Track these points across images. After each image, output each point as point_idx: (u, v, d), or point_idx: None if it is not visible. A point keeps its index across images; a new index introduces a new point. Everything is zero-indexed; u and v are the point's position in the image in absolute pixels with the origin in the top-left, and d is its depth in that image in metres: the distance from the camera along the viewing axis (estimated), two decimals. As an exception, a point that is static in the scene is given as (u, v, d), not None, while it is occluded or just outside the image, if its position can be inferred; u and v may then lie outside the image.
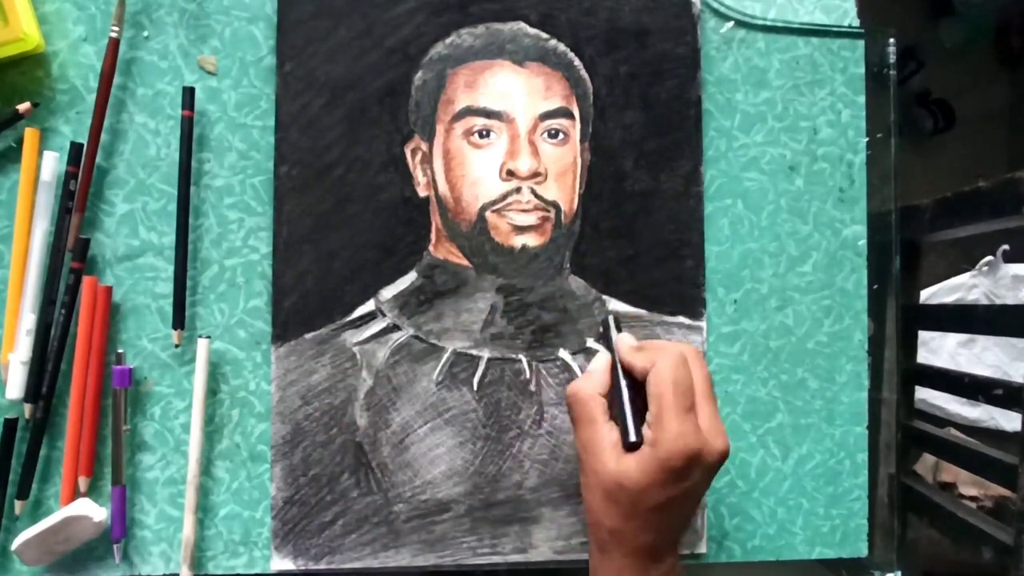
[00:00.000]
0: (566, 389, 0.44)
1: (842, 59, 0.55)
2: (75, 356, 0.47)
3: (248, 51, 0.50)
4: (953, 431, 1.23)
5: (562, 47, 0.52)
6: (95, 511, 0.46)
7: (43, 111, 0.48)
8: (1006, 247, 1.29)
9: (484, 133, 0.50)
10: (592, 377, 0.43)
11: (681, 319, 0.53)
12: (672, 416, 0.39)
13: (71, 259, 0.47)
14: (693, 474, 0.39)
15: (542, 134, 0.51)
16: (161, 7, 0.49)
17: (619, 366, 0.43)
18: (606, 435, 0.41)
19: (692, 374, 0.41)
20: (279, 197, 0.50)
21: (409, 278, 0.50)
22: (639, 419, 0.41)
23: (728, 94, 0.54)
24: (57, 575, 0.48)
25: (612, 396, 0.43)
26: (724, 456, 0.40)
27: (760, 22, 0.55)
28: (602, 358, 0.45)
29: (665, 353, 0.41)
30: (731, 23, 0.54)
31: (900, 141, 0.56)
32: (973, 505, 1.05)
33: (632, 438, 0.40)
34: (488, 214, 0.50)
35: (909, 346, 0.84)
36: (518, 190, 0.50)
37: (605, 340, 0.47)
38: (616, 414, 0.42)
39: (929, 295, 1.34)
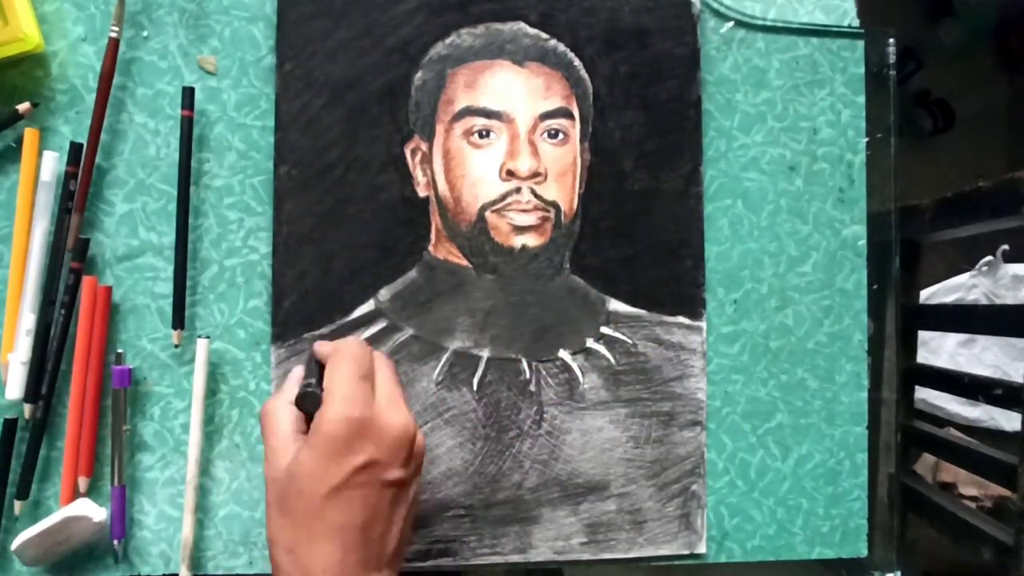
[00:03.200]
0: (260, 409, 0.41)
1: (842, 59, 0.55)
2: (75, 356, 0.47)
3: (248, 51, 0.50)
4: (953, 431, 1.23)
5: (562, 47, 0.52)
6: (95, 511, 0.46)
7: (43, 111, 0.48)
8: (1006, 247, 1.29)
9: (484, 133, 0.50)
10: (282, 389, 0.42)
11: (681, 319, 0.53)
12: (340, 384, 0.37)
13: (71, 259, 0.47)
14: (364, 447, 0.36)
15: (542, 134, 0.51)
16: (161, 7, 0.49)
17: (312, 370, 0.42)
18: (288, 441, 0.38)
19: (376, 361, 0.40)
20: (279, 197, 0.50)
21: (409, 278, 0.50)
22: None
23: (728, 94, 0.54)
24: (57, 575, 0.48)
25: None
26: (407, 432, 0.38)
27: (760, 22, 0.55)
28: (293, 371, 0.44)
29: (339, 342, 0.41)
30: (731, 23, 0.54)
31: (900, 141, 0.56)
32: (973, 505, 1.05)
33: (301, 398, 0.38)
34: (488, 214, 0.50)
35: (909, 346, 0.84)
36: (518, 190, 0.50)
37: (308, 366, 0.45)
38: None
39: (929, 295, 1.34)
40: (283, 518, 0.37)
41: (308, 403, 0.39)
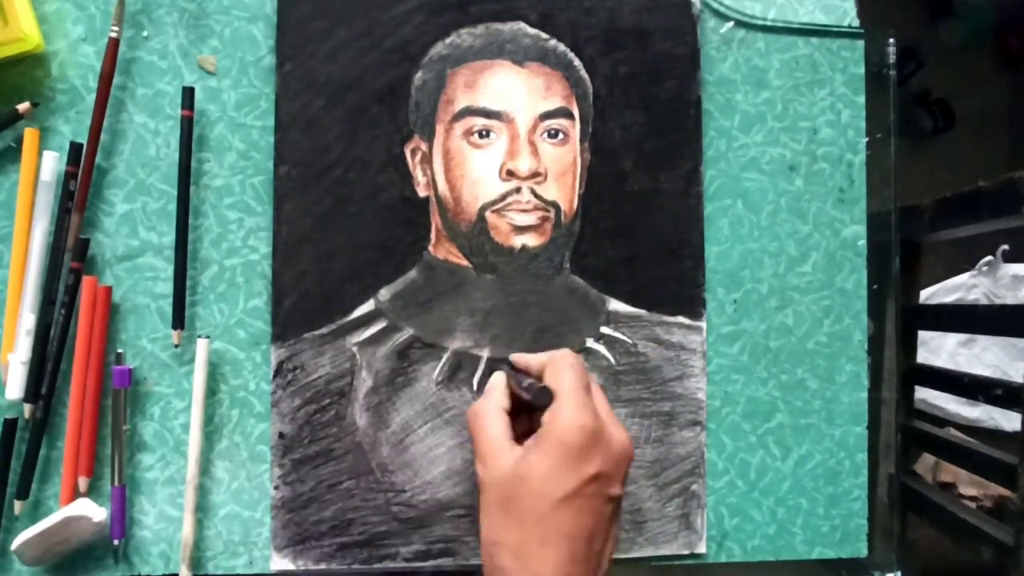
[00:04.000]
0: (467, 412, 0.42)
1: (842, 59, 0.55)
2: (75, 356, 0.47)
3: (248, 51, 0.50)
4: (953, 431, 1.23)
5: (562, 47, 0.52)
6: (95, 511, 0.46)
7: (43, 111, 0.48)
8: (1006, 247, 1.29)
9: (484, 133, 0.50)
10: (489, 394, 0.42)
11: (681, 319, 0.53)
12: (571, 392, 0.38)
13: (71, 259, 0.47)
14: (595, 458, 0.37)
15: (542, 134, 0.51)
16: (161, 7, 0.49)
17: (513, 384, 0.43)
18: (506, 443, 0.39)
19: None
20: (279, 197, 0.50)
21: (409, 278, 0.50)
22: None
23: (728, 94, 0.54)
24: (57, 575, 0.48)
25: (512, 415, 0.42)
26: (628, 450, 0.38)
27: (760, 22, 0.55)
28: (496, 376, 0.44)
29: (559, 351, 0.42)
30: (731, 23, 0.54)
31: (900, 141, 0.56)
32: (973, 505, 1.05)
33: (539, 396, 0.38)
34: (488, 214, 0.50)
35: (909, 346, 0.84)
36: (518, 190, 0.50)
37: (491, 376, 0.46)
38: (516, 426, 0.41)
39: (929, 295, 1.34)
40: (509, 520, 0.36)
41: (543, 398, 0.39)
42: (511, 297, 0.51)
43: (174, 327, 0.48)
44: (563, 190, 0.51)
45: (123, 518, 0.48)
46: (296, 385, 0.49)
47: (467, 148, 0.50)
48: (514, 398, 0.42)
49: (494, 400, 0.42)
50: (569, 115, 0.51)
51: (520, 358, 0.45)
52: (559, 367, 0.40)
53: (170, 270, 0.49)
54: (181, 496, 0.48)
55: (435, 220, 0.51)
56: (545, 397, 0.39)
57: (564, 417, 0.37)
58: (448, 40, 0.51)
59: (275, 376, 0.49)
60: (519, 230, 0.51)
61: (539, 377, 0.42)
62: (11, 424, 0.46)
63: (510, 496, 0.37)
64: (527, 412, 0.42)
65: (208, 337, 0.48)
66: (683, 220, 0.53)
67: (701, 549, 0.52)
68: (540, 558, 0.35)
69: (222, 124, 0.50)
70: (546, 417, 0.38)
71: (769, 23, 0.55)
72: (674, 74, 0.53)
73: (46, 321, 0.46)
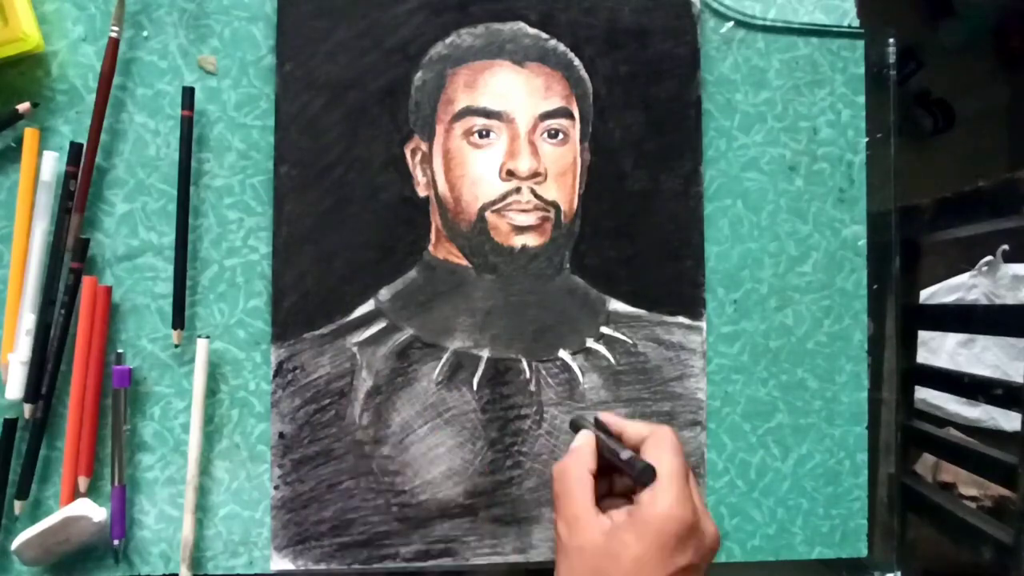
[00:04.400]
0: (552, 469, 0.42)
1: (842, 59, 0.55)
2: (75, 356, 0.47)
3: (248, 51, 0.50)
4: (953, 431, 1.23)
5: (562, 47, 0.52)
6: (95, 511, 0.46)
7: (43, 111, 0.48)
8: (1006, 247, 1.29)
9: (484, 133, 0.50)
10: (578, 454, 0.42)
11: (681, 319, 0.53)
12: (674, 478, 0.38)
13: (71, 259, 0.47)
14: (688, 551, 0.37)
15: (542, 134, 0.51)
16: (161, 7, 0.49)
17: (600, 441, 0.42)
18: (594, 510, 0.38)
19: None
20: (279, 197, 0.50)
21: (409, 278, 0.50)
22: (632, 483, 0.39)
23: (728, 94, 0.54)
24: (57, 575, 0.48)
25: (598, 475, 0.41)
26: (717, 544, 0.39)
27: (760, 22, 0.55)
28: (585, 436, 0.43)
29: (660, 426, 0.41)
30: (731, 23, 0.54)
31: (900, 141, 0.56)
32: (973, 505, 1.05)
33: (636, 468, 0.38)
34: (488, 214, 0.50)
35: (909, 346, 0.84)
36: (518, 190, 0.50)
37: (574, 428, 0.46)
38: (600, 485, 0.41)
39: (929, 295, 1.34)
40: None
41: (645, 477, 0.38)
42: (511, 297, 0.51)
43: (174, 327, 0.48)
44: (563, 190, 0.51)
45: (123, 518, 0.48)
46: (296, 385, 0.49)
47: (467, 148, 0.50)
48: (601, 459, 0.42)
49: (584, 462, 0.41)
50: (569, 115, 0.51)
51: (614, 422, 0.43)
52: (662, 446, 0.39)
53: (170, 270, 0.49)
54: (181, 496, 0.48)
55: (435, 220, 0.51)
56: (648, 477, 0.38)
57: (665, 505, 0.37)
58: (448, 40, 0.51)
59: (275, 376, 0.49)
60: (519, 230, 0.51)
61: (635, 447, 0.41)
62: (11, 424, 0.46)
63: (599, 569, 0.37)
64: (608, 473, 0.42)
65: (208, 337, 0.48)
66: (683, 220, 0.53)
67: (701, 549, 0.52)
68: None
69: (222, 124, 0.50)
70: (645, 497, 0.38)
71: (769, 23, 0.55)
72: (674, 74, 0.53)
73: (46, 321, 0.46)
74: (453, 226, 0.51)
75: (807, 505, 0.54)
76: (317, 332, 0.49)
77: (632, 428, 0.42)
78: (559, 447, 0.51)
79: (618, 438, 0.43)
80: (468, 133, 0.50)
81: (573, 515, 0.39)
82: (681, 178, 0.53)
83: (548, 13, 0.52)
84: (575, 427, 0.46)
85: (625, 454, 0.40)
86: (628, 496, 0.42)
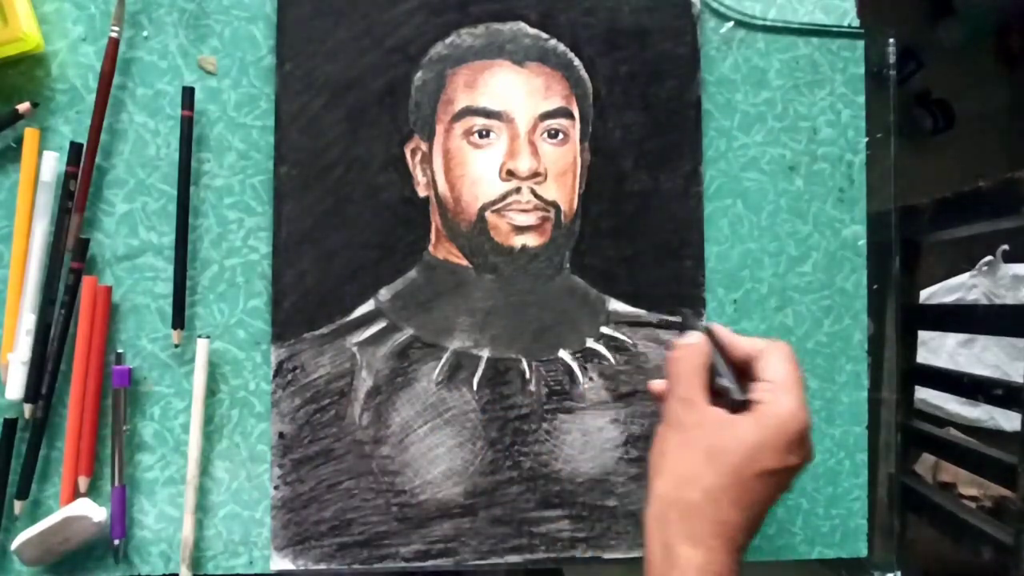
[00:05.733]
0: (666, 356, 0.42)
1: (842, 59, 0.55)
2: (75, 356, 0.47)
3: (248, 51, 0.50)
4: (953, 431, 1.23)
5: (562, 47, 0.52)
6: (95, 511, 0.46)
7: (43, 111, 0.48)
8: (1006, 247, 1.29)
9: (484, 133, 0.50)
10: (694, 347, 0.41)
11: (681, 319, 0.52)
12: (795, 384, 0.39)
13: (71, 259, 0.47)
14: (800, 451, 0.38)
15: (542, 134, 0.51)
16: (161, 7, 0.49)
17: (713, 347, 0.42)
18: (709, 399, 0.39)
19: None
20: (279, 197, 0.50)
21: (409, 278, 0.50)
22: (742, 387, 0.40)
23: (728, 94, 0.54)
24: (57, 575, 0.48)
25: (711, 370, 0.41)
26: (812, 458, 0.39)
27: (760, 22, 0.55)
28: (698, 335, 0.42)
29: (777, 341, 0.41)
30: (731, 23, 0.54)
31: (900, 141, 0.56)
32: (973, 505, 1.05)
33: (739, 396, 0.39)
34: (488, 214, 0.50)
35: (909, 346, 0.84)
36: (518, 190, 0.50)
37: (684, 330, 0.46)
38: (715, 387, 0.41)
39: (929, 295, 1.34)
40: (711, 464, 0.37)
41: (739, 403, 0.39)
42: (511, 297, 0.51)
43: (174, 327, 0.48)
44: (563, 190, 0.51)
45: (123, 518, 0.48)
46: (296, 385, 0.49)
47: (467, 148, 0.50)
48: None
49: (700, 354, 0.41)
50: (569, 115, 0.51)
51: (725, 333, 0.43)
52: (781, 356, 0.40)
53: (170, 270, 0.49)
54: (181, 496, 0.48)
55: (435, 220, 0.51)
56: (741, 406, 0.39)
57: (788, 406, 0.38)
58: (448, 40, 0.51)
59: (275, 376, 0.49)
60: (519, 230, 0.51)
61: (745, 361, 0.41)
62: (11, 424, 0.46)
63: (718, 446, 0.37)
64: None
65: (208, 337, 0.48)
66: (683, 220, 0.53)
67: (701, 549, 0.52)
68: (728, 512, 0.37)
69: (222, 124, 0.50)
70: (767, 396, 0.38)
71: (769, 23, 0.55)
72: (674, 74, 0.53)
73: (46, 321, 0.46)
74: (453, 226, 0.51)
75: (807, 505, 0.54)
76: (317, 332, 0.49)
77: (741, 343, 0.42)
78: (559, 447, 0.51)
79: (724, 351, 0.42)
80: (468, 133, 0.50)
81: (689, 398, 0.39)
82: (681, 178, 0.53)
83: (548, 13, 0.52)
84: (684, 330, 0.46)
85: (723, 380, 0.40)
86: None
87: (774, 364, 0.40)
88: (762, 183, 0.54)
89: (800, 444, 0.38)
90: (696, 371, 0.40)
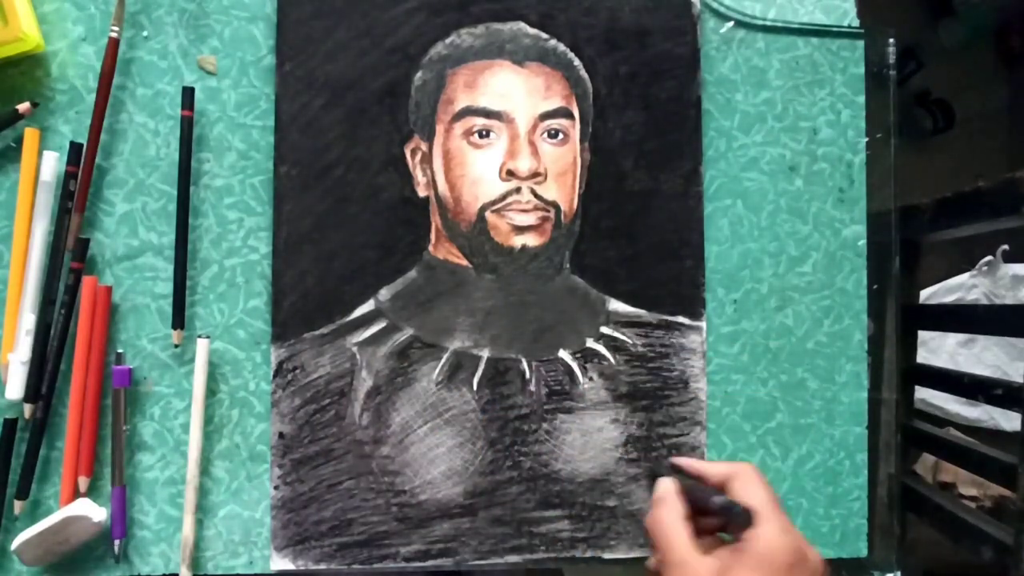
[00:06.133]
0: (645, 522, 0.42)
1: (842, 59, 0.55)
2: (75, 356, 0.47)
3: (248, 51, 0.50)
4: (953, 431, 1.23)
5: (562, 47, 0.52)
6: (95, 511, 0.46)
7: (43, 111, 0.48)
8: (1006, 247, 1.29)
9: (484, 133, 0.50)
10: (667, 502, 0.42)
11: (681, 319, 0.53)
12: (771, 510, 0.38)
13: (71, 259, 0.47)
14: (801, 570, 0.38)
15: (542, 134, 0.51)
16: (161, 7, 0.49)
17: (683, 493, 0.42)
18: (697, 554, 0.39)
19: None
20: (279, 197, 0.50)
21: (409, 278, 0.50)
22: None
23: (728, 94, 0.54)
24: (57, 575, 0.48)
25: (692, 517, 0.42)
26: (821, 567, 0.39)
27: (760, 22, 0.55)
28: (665, 483, 0.43)
29: (741, 464, 0.42)
30: (731, 23, 0.54)
31: (900, 141, 0.56)
32: (973, 505, 1.05)
33: (741, 507, 0.39)
34: (488, 214, 0.50)
35: (909, 346, 0.84)
36: (518, 190, 0.50)
37: (651, 477, 0.46)
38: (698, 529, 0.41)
39: (929, 295, 1.34)
40: None
41: (742, 519, 0.39)
42: (511, 297, 0.51)
43: (174, 327, 0.48)
44: (563, 190, 0.51)
45: (123, 518, 0.48)
46: (296, 385, 0.49)
47: (467, 148, 0.50)
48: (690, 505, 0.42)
49: (674, 509, 0.41)
50: (569, 115, 0.51)
51: (690, 464, 0.44)
52: (748, 481, 0.40)
53: (170, 270, 0.49)
54: (181, 496, 0.48)
55: (435, 220, 0.51)
56: (746, 520, 0.39)
57: (772, 537, 0.37)
58: (448, 40, 0.51)
59: (275, 376, 0.49)
60: (519, 230, 0.51)
61: (719, 487, 0.41)
62: (11, 424, 0.46)
63: None
64: (692, 515, 0.42)
65: (208, 337, 0.48)
66: (683, 220, 0.53)
67: (701, 549, 0.52)
68: None
69: (222, 124, 0.50)
70: (750, 534, 0.38)
71: (769, 23, 0.55)
72: (674, 74, 0.53)
73: (46, 321, 0.46)
74: (453, 226, 0.51)
75: (807, 505, 0.54)
76: (317, 332, 0.49)
77: (712, 469, 0.43)
78: (559, 447, 0.51)
79: (698, 479, 0.43)
80: (468, 133, 0.50)
81: (680, 560, 0.39)
82: (681, 178, 0.53)
83: (548, 13, 0.52)
84: (652, 476, 0.47)
85: (718, 499, 0.40)
86: (713, 534, 0.42)
87: (742, 492, 0.40)
88: (762, 183, 0.54)
89: (795, 569, 0.37)
90: (677, 530, 0.40)
